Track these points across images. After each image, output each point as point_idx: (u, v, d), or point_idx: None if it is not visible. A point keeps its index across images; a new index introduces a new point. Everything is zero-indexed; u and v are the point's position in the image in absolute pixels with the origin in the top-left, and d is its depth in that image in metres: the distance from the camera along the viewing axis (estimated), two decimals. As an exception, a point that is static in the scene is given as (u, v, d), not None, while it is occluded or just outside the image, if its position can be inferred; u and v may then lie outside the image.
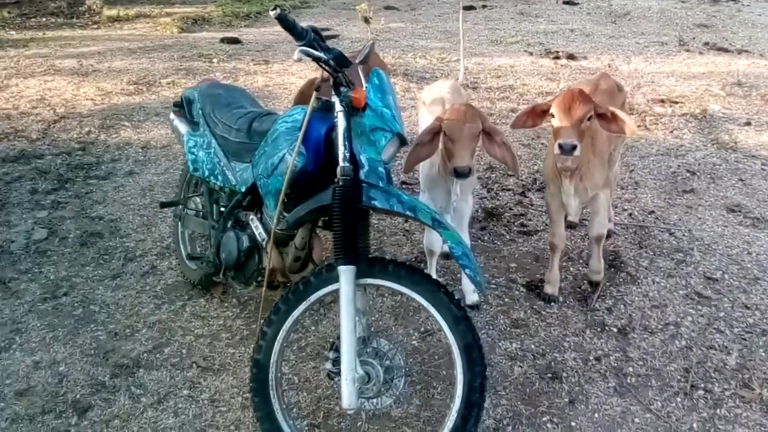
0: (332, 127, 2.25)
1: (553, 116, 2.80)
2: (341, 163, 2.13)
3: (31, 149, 5.24)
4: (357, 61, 2.86)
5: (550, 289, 3.27)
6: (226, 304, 3.18)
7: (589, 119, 2.76)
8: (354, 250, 2.10)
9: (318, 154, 2.29)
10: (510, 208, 4.22)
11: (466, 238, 3.07)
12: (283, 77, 7.43)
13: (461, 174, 2.62)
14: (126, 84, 7.13)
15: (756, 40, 9.47)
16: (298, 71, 7.60)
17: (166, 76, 7.51)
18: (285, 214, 2.31)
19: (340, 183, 2.11)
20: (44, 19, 12.01)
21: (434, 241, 3.06)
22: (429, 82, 7.08)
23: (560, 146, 2.66)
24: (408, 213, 2.13)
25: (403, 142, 2.29)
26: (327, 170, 2.27)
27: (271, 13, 2.02)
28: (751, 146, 5.32)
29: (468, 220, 3.10)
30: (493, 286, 3.36)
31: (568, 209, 3.12)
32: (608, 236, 3.86)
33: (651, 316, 3.12)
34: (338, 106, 2.17)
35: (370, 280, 2.16)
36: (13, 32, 10.72)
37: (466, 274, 2.12)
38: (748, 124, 5.85)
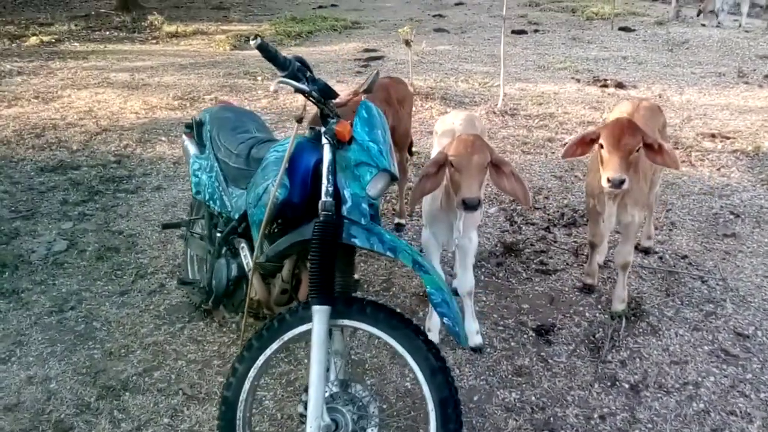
0: (321, 159, 2.18)
1: (602, 147, 2.82)
2: (323, 198, 2.06)
3: (69, 160, 5.42)
4: (361, 91, 2.80)
5: (589, 280, 3.53)
6: (224, 329, 3.14)
7: (637, 151, 2.80)
8: (330, 290, 2.01)
9: (305, 186, 2.22)
10: (531, 244, 4.04)
11: (470, 278, 2.93)
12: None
13: (470, 206, 2.49)
14: (171, 99, 7.33)
15: (824, 73, 8.92)
16: (339, 91, 7.62)
17: (210, 92, 7.68)
18: (266, 247, 2.24)
19: (321, 218, 2.04)
20: (108, 33, 12.58)
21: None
22: (467, 107, 6.98)
23: (608, 180, 2.73)
24: (388, 253, 2.03)
25: (393, 178, 2.20)
26: (314, 203, 2.20)
27: (252, 42, 1.97)
28: (806, 189, 4.95)
29: (472, 259, 2.96)
30: (501, 327, 3.20)
31: (608, 225, 3.18)
32: (647, 252, 3.94)
33: (669, 373, 2.89)
34: (323, 139, 2.10)
35: (346, 322, 2.06)
36: (76, 44, 11.26)
37: (444, 323, 1.99)
38: (805, 164, 5.47)
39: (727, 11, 12.56)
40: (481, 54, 10.12)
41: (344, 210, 2.08)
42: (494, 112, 6.67)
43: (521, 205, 2.92)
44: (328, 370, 2.21)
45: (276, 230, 2.39)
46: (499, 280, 3.63)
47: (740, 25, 12.28)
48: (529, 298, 3.46)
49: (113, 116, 6.68)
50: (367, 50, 10.36)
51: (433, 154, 3.02)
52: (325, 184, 2.07)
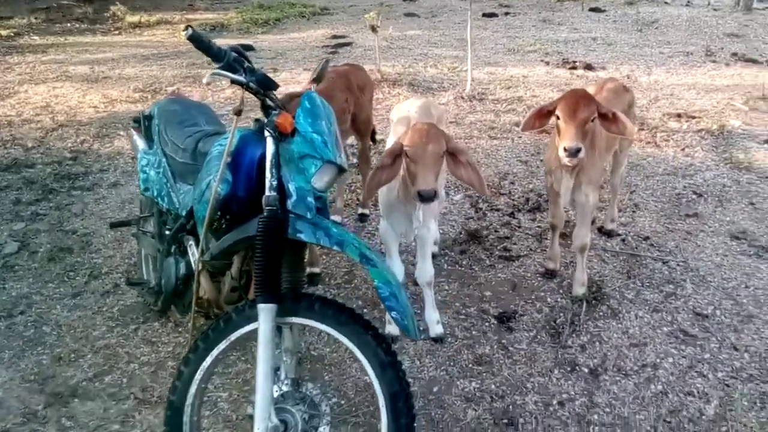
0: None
1: (558, 117, 2.90)
2: (267, 192, 1.99)
3: (24, 158, 5.26)
4: (309, 80, 2.73)
5: (551, 264, 3.52)
6: (179, 330, 3.07)
7: (592, 120, 2.89)
8: (276, 287, 1.95)
9: (250, 181, 2.15)
10: (495, 230, 4.01)
11: (429, 268, 2.89)
12: (289, 86, 7.30)
13: (426, 198, 2.44)
14: (132, 91, 7.14)
15: (789, 50, 9.01)
16: (306, 80, 7.50)
17: (172, 83, 7.51)
18: (213, 243, 2.17)
19: (265, 214, 1.97)
20: (69, 25, 12.24)
21: (395, 270, 2.88)
22: (435, 92, 6.92)
23: (565, 149, 2.80)
24: (335, 247, 1.98)
25: (341, 170, 2.13)
26: (260, 197, 2.13)
27: (183, 33, 1.88)
28: (768, 166, 4.99)
29: (431, 249, 2.92)
30: (462, 316, 3.17)
31: (563, 199, 3.22)
32: (610, 235, 3.95)
33: (628, 356, 2.88)
34: (266, 132, 2.02)
35: (294, 319, 2.00)
36: (36, 37, 10.93)
37: (392, 317, 1.95)
38: (768, 141, 5.51)
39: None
40: (451, 38, 10.04)
41: (289, 204, 2.02)
42: (462, 97, 6.61)
43: (478, 192, 2.89)
44: (278, 369, 2.16)
45: (223, 226, 2.31)
46: (462, 268, 3.59)
47: (709, 3, 12.36)
48: (491, 285, 3.43)
49: (71, 111, 6.49)
50: (335, 37, 10.22)
51: (389, 143, 2.95)
52: (268, 178, 2.00)
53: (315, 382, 2.11)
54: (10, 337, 3.04)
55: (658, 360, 2.86)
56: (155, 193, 2.73)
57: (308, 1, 13.70)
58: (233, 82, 1.97)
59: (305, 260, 2.26)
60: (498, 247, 3.80)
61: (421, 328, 3.03)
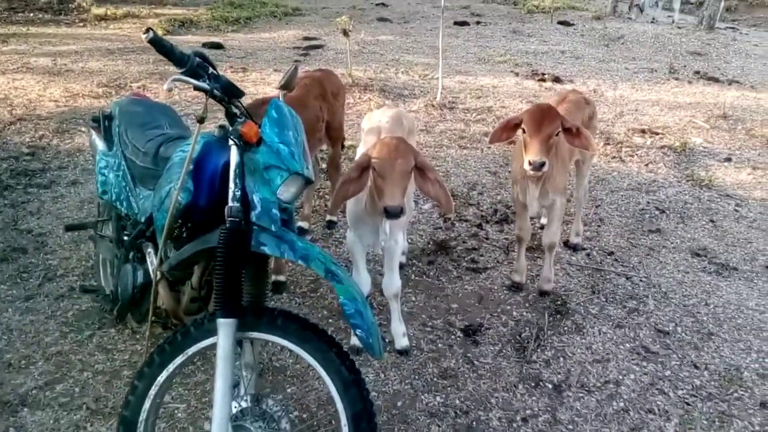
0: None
1: (524, 131, 2.98)
2: (230, 203, 1.93)
3: (-22, 152, 5.04)
4: (278, 87, 2.67)
5: (517, 277, 3.51)
6: (137, 337, 2.96)
7: (557, 134, 2.97)
8: (236, 301, 1.89)
9: (213, 189, 2.08)
10: (463, 241, 4.01)
11: (396, 280, 2.85)
12: (258, 87, 7.24)
13: (392, 214, 2.41)
14: (95, 86, 6.94)
15: (748, 70, 9.31)
16: (275, 81, 7.41)
17: (138, 79, 7.32)
18: (173, 252, 2.09)
19: (227, 225, 1.91)
20: (32, 15, 11.85)
21: (362, 281, 2.84)
22: (407, 99, 6.91)
23: (530, 162, 2.88)
24: (300, 261, 1.93)
25: (308, 181, 2.08)
26: (223, 207, 2.06)
27: (143, 36, 1.81)
28: (728, 184, 5.12)
29: (398, 260, 2.88)
30: (429, 328, 3.15)
31: (531, 209, 3.30)
32: (575, 249, 3.98)
33: (591, 372, 2.90)
34: (230, 140, 1.96)
35: (255, 334, 1.94)
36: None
37: (356, 335, 1.90)
38: (729, 159, 5.66)
39: (656, 5, 12.95)
40: (422, 45, 10.07)
41: (253, 216, 1.96)
42: (433, 105, 6.62)
43: (443, 210, 2.88)
44: (237, 384, 2.10)
45: (184, 235, 2.24)
46: (430, 279, 3.58)
47: (673, 21, 12.69)
48: (458, 297, 3.42)
49: (30, 104, 6.27)
50: (307, 38, 10.14)
51: (359, 153, 2.91)
52: (232, 189, 1.94)
53: (275, 398, 2.05)
54: (-45, 342, 2.89)
55: (620, 377, 2.88)
56: (114, 197, 2.63)
57: (280, 1, 13.58)
58: (196, 88, 1.90)
59: (269, 272, 2.21)
60: (465, 259, 3.80)
61: (387, 340, 3.00)
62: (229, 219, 1.91)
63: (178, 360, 1.94)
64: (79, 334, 2.97)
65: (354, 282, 1.95)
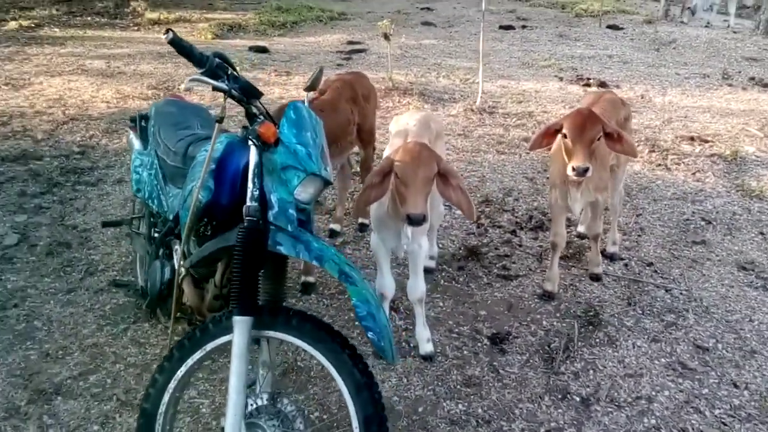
0: None
1: (565, 136, 2.97)
2: (248, 202, 1.96)
3: (33, 150, 5.27)
4: (304, 88, 2.69)
5: (549, 286, 3.44)
6: (169, 331, 3.03)
7: (598, 139, 2.97)
8: (253, 299, 1.91)
9: (234, 188, 2.11)
10: (496, 248, 3.95)
11: (420, 285, 2.84)
12: (300, 90, 7.32)
13: (415, 221, 2.40)
14: (145, 88, 7.16)
15: (808, 77, 8.86)
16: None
17: (185, 82, 7.52)
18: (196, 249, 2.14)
19: (245, 224, 1.93)
20: (89, 18, 12.33)
21: (386, 285, 2.84)
22: (445, 104, 6.88)
23: (574, 168, 2.89)
24: (314, 262, 1.95)
25: (326, 182, 2.09)
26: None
27: (164, 37, 1.85)
28: (780, 196, 4.89)
29: (422, 264, 2.86)
30: (455, 335, 3.11)
31: (573, 211, 3.33)
32: (612, 258, 3.91)
33: (622, 386, 2.81)
34: (249, 141, 1.99)
35: (270, 333, 1.97)
36: (56, 29, 11.03)
37: (368, 337, 1.90)
38: (782, 170, 5.40)
39: (711, 9, 12.50)
40: (466, 49, 10.00)
41: (270, 216, 1.98)
42: (472, 110, 6.56)
43: (466, 217, 2.84)
44: (254, 382, 2.13)
45: (207, 233, 2.28)
46: (459, 285, 3.54)
47: (729, 26, 12.22)
48: (487, 304, 3.38)
49: (83, 105, 6.52)
50: (350, 42, 10.22)
51: (385, 155, 2.90)
52: (250, 188, 1.97)
53: (291, 398, 2.06)
54: (1, 330, 3.02)
55: (653, 393, 2.78)
56: (146, 195, 2.71)
57: (326, 6, 13.72)
58: (215, 88, 1.93)
59: (287, 272, 2.23)
60: (497, 266, 3.74)
61: (411, 345, 2.99)
62: (247, 218, 1.94)
63: (197, 355, 1.98)
64: (114, 327, 3.07)
65: (368, 285, 1.95)
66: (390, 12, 13.44)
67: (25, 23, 11.09)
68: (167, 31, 1.85)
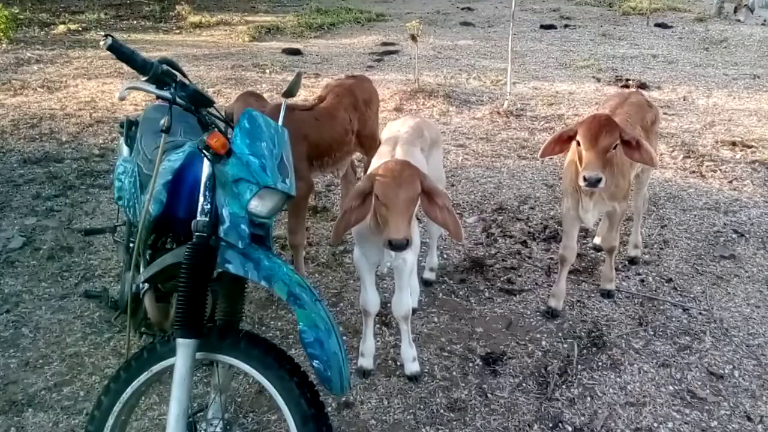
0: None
1: (579, 144, 2.80)
2: (198, 217, 1.86)
3: (55, 152, 5.38)
4: (282, 94, 2.60)
5: (554, 302, 3.23)
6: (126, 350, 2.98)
7: (614, 148, 2.77)
8: (198, 321, 1.82)
9: (192, 201, 2.02)
10: (503, 259, 3.75)
11: (405, 301, 2.68)
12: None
13: (396, 247, 2.25)
14: (173, 91, 7.22)
15: None
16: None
17: (214, 84, 7.58)
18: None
19: (194, 240, 1.84)
20: (135, 22, 12.63)
21: (369, 300, 2.71)
22: (472, 106, 6.69)
23: (585, 179, 2.70)
24: (263, 283, 1.83)
25: (288, 196, 1.98)
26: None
27: (102, 43, 1.77)
28: (826, 207, 4.49)
29: (408, 280, 2.71)
30: (446, 353, 2.95)
31: (586, 222, 3.15)
32: (634, 262, 3.74)
33: (621, 416, 2.59)
34: (201, 152, 1.89)
35: (217, 356, 1.87)
36: (101, 33, 11.32)
37: (313, 366, 1.77)
38: (832, 179, 4.98)
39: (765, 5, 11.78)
40: (501, 50, 9.70)
41: (221, 231, 1.88)
42: (498, 113, 6.34)
43: (452, 238, 2.64)
44: (206, 407, 2.04)
45: (174, 246, 2.21)
46: (458, 299, 3.37)
47: (788, 23, 11.50)
48: (485, 320, 3.20)
49: (112, 107, 6.63)
50: (385, 44, 10.10)
51: (373, 164, 2.77)
52: (201, 202, 1.87)
53: (244, 426, 1.96)
54: (-12, 336, 3.05)
55: (655, 424, 2.56)
56: (125, 203, 2.65)
57: (365, 7, 13.65)
58: (158, 97, 1.84)
59: (245, 290, 2.12)
60: (501, 279, 3.55)
61: (399, 363, 2.84)
62: (196, 234, 1.84)
63: (143, 377, 1.90)
64: (98, 336, 3.04)
65: (321, 307, 1.82)
66: (429, 12, 13.26)
67: (73, 27, 11.46)
68: (106, 36, 1.76)
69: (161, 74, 1.83)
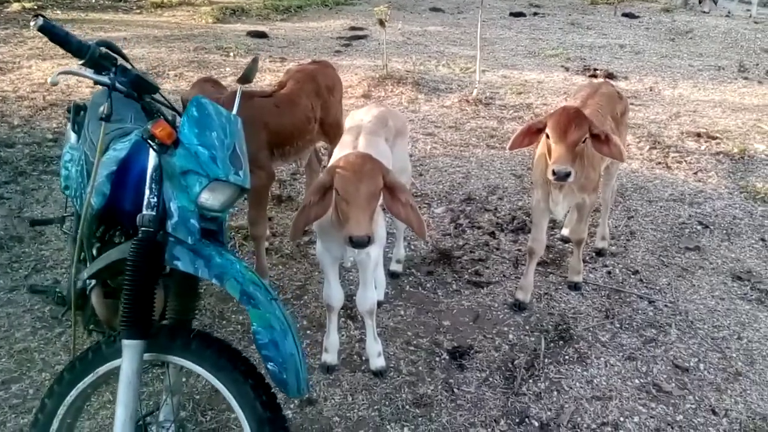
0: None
1: (548, 137, 2.77)
2: (144, 211, 1.74)
3: (6, 136, 5.12)
4: (237, 80, 2.48)
5: (521, 295, 3.20)
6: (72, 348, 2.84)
7: (583, 141, 2.75)
8: (145, 320, 1.70)
9: (139, 193, 1.90)
10: (471, 251, 3.70)
11: (370, 295, 2.60)
12: (293, 77, 7.08)
13: (357, 244, 2.16)
14: (133, 73, 6.97)
15: (832, 70, 8.41)
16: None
17: (176, 67, 7.34)
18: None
19: (139, 235, 1.72)
20: (94, 1, 12.17)
21: (333, 295, 2.62)
22: (441, 94, 6.61)
23: (554, 172, 2.66)
24: (214, 281, 1.73)
25: (242, 189, 1.86)
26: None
27: (32, 24, 1.63)
28: (788, 199, 4.56)
29: (373, 275, 2.62)
30: (412, 348, 2.88)
31: (556, 215, 3.14)
32: (601, 254, 3.74)
33: (587, 410, 2.57)
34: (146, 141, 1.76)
35: (167, 357, 1.76)
36: (58, 11, 10.89)
37: (268, 369, 1.67)
38: (793, 170, 5.06)
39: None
40: (471, 37, 9.63)
41: (169, 226, 1.76)
42: (467, 101, 6.28)
43: (416, 235, 2.54)
44: (158, 409, 1.93)
45: (122, 240, 2.08)
46: (425, 292, 3.30)
47: (751, 15, 11.70)
48: (452, 313, 3.14)
49: (67, 90, 6.36)
50: (353, 28, 9.94)
51: (335, 154, 2.66)
52: (147, 195, 1.75)
53: (203, 425, 1.86)
54: (-71, 332, 2.86)
55: (621, 418, 2.54)
56: (72, 193, 2.50)
57: (334, -10, 13.43)
58: (96, 82, 1.70)
59: (198, 288, 2.01)
60: (469, 271, 3.49)
61: (364, 358, 2.77)
62: (142, 229, 1.72)
63: (88, 379, 1.78)
64: (49, 331, 2.89)
65: (277, 307, 1.72)
66: (398, -3, 13.10)
67: (28, 5, 10.97)
68: (36, 16, 1.62)
69: (99, 58, 1.69)
